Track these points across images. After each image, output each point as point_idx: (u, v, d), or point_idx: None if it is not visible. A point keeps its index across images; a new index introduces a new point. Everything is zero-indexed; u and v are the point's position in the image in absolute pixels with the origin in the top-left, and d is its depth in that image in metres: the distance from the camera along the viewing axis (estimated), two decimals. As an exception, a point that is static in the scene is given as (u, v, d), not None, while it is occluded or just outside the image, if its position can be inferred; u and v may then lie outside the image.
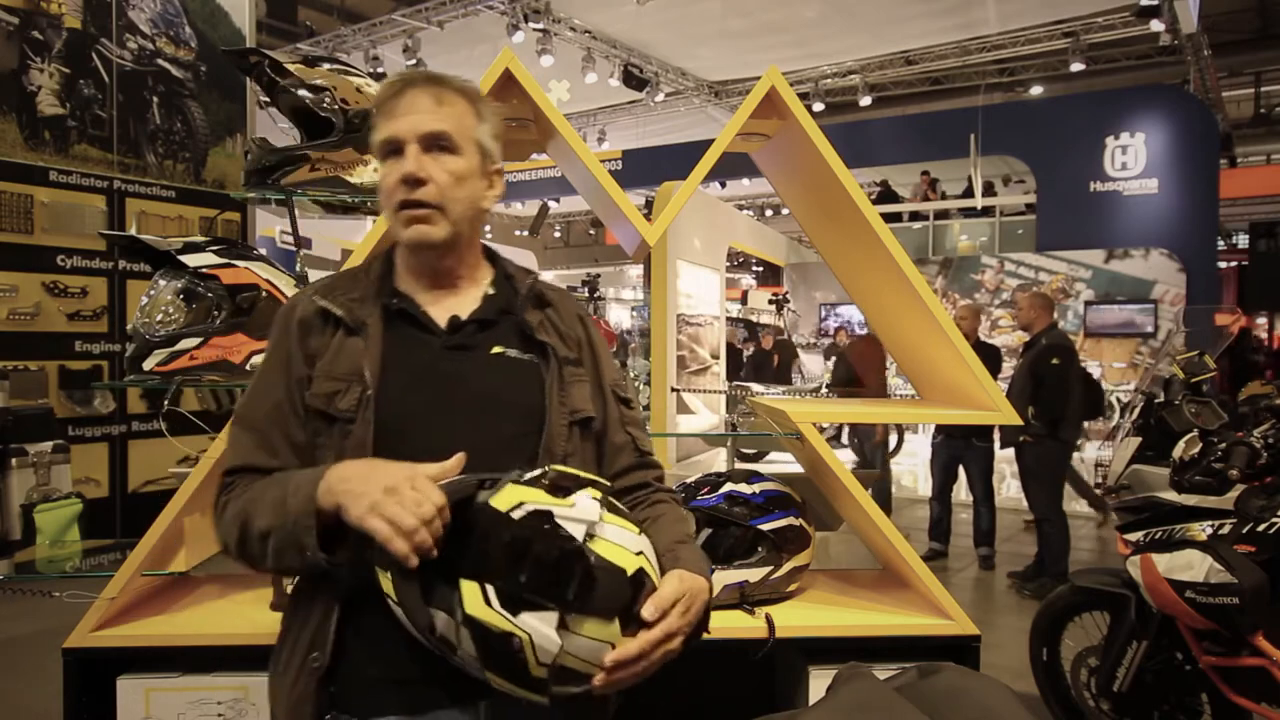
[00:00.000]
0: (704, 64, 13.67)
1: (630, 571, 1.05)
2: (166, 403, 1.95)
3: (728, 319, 9.15)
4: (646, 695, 1.32)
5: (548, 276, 1.79)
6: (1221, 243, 15.88)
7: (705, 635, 1.18)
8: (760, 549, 2.03)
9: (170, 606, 1.98)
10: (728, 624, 1.89)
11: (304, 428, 1.24)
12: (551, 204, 14.72)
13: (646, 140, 15.46)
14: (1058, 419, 5.22)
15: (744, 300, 15.58)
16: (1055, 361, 5.20)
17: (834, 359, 8.37)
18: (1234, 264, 16.35)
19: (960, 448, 5.94)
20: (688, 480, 2.22)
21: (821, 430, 2.24)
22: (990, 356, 5.85)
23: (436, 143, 1.22)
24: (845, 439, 8.14)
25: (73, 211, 5.63)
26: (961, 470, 6.04)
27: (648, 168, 13.59)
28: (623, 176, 13.22)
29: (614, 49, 12.44)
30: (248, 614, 1.93)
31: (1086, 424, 6.84)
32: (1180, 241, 8.92)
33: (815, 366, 9.96)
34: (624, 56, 12.54)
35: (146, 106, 6.15)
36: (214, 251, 2.05)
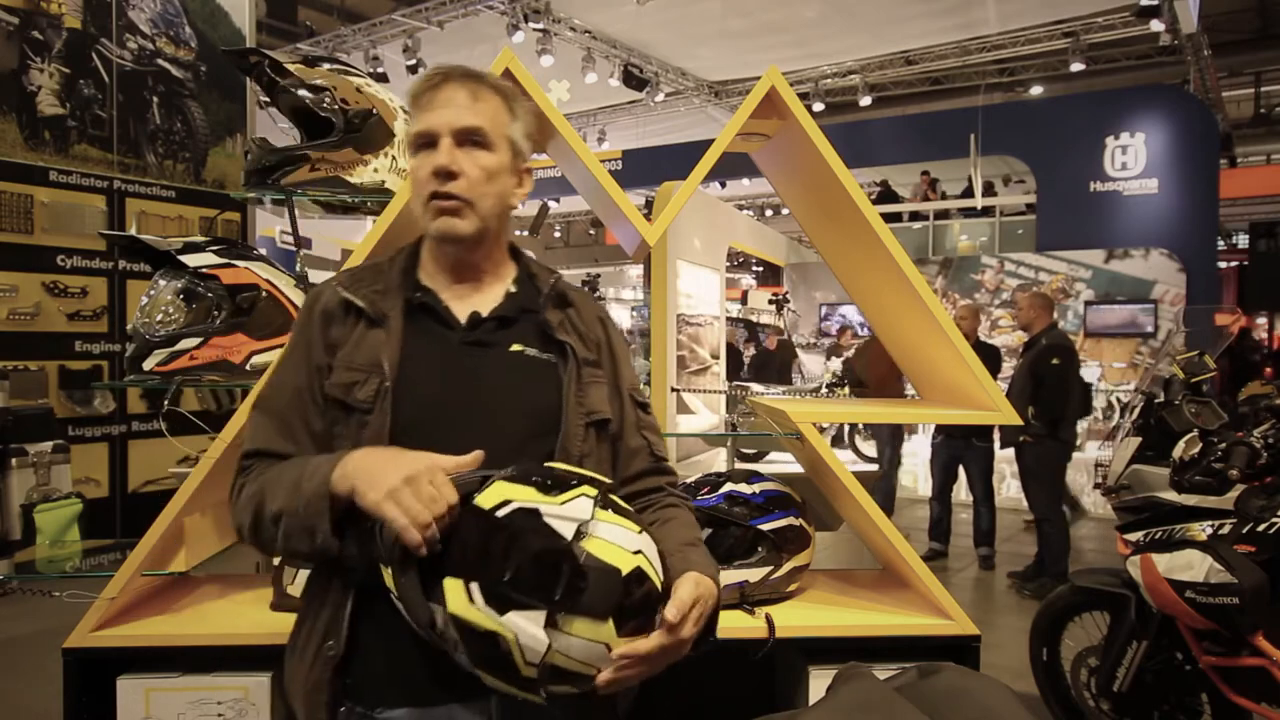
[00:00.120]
0: (704, 64, 13.65)
1: (626, 571, 1.03)
2: (166, 403, 1.95)
3: (728, 319, 9.14)
4: (646, 695, 1.32)
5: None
6: (1221, 243, 15.88)
7: (715, 638, 1.18)
8: (760, 549, 2.03)
9: (170, 606, 1.98)
10: (728, 624, 1.88)
11: (323, 416, 1.25)
12: (551, 204, 14.71)
13: (646, 140, 15.44)
14: (1058, 419, 5.23)
15: (744, 300, 15.57)
16: (1055, 361, 5.20)
17: (842, 360, 8.35)
18: (1234, 264, 16.34)
19: (960, 448, 5.94)
20: (688, 480, 2.22)
21: (822, 430, 2.24)
22: (990, 356, 5.85)
23: (470, 137, 1.23)
24: (848, 439, 8.14)
25: (73, 211, 5.63)
26: (961, 470, 6.05)
27: (648, 168, 13.56)
28: (623, 176, 13.20)
29: (614, 49, 12.43)
30: (248, 614, 1.93)
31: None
32: (1180, 241, 8.91)
33: (815, 366, 9.94)
34: (624, 56, 12.53)
35: (146, 106, 6.15)
36: (214, 251, 2.05)
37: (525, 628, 0.99)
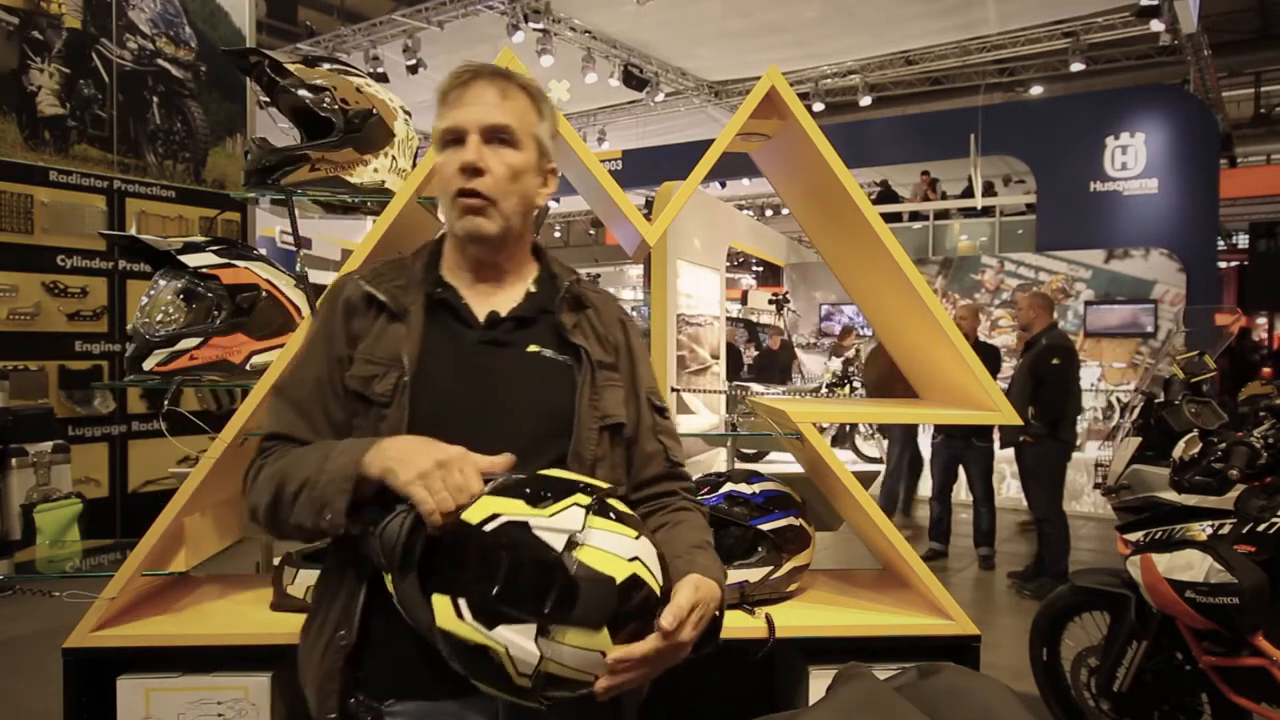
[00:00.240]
0: (704, 64, 13.65)
1: (621, 579, 1.02)
2: (166, 403, 1.95)
3: (728, 319, 9.14)
4: (646, 695, 1.32)
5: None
6: (1221, 243, 15.88)
7: (718, 640, 1.18)
8: (760, 549, 2.03)
9: (170, 606, 1.98)
10: (728, 624, 1.88)
11: (343, 408, 1.25)
12: (551, 204, 14.70)
13: (646, 140, 15.44)
14: (1058, 419, 5.23)
15: (744, 300, 15.57)
16: (1055, 361, 5.20)
17: (842, 359, 8.34)
18: (1234, 264, 16.35)
19: (960, 448, 5.94)
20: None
21: (822, 430, 2.24)
22: (990, 356, 5.85)
23: (497, 135, 1.24)
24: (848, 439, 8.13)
25: (73, 211, 5.63)
26: (961, 470, 6.05)
27: (648, 168, 13.56)
28: (623, 176, 13.20)
29: (614, 49, 12.43)
30: (248, 614, 1.93)
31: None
32: (1180, 241, 8.90)
33: (815, 367, 9.94)
34: (624, 56, 12.53)
35: (146, 106, 6.15)
36: (214, 251, 2.05)
37: (516, 641, 0.98)
